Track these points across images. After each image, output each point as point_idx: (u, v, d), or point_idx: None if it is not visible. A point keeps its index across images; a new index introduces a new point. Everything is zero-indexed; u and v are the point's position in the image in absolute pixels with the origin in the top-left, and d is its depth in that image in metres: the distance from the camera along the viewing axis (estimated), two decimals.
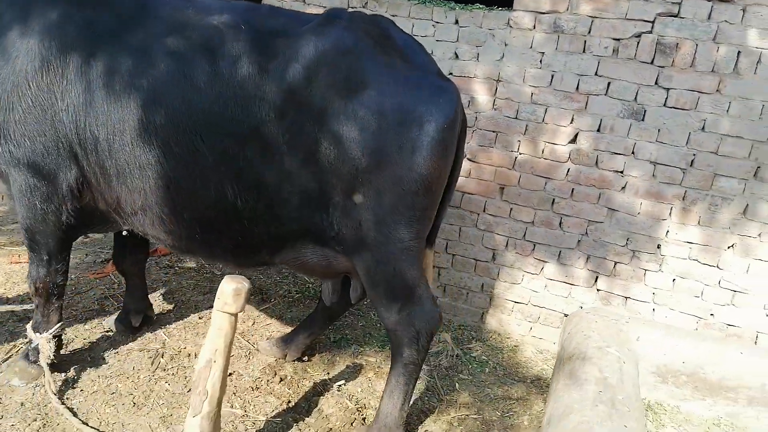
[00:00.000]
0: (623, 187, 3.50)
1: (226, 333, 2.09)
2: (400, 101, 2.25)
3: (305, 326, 3.23)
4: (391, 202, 2.30)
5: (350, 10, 2.84)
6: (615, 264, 3.60)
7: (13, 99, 2.40)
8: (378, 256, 2.39)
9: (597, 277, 3.66)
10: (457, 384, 3.25)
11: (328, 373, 3.17)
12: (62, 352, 2.97)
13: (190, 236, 2.57)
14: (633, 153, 3.45)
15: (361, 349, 3.47)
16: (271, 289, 4.12)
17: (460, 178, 2.91)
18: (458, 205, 3.88)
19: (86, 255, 4.35)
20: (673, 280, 3.48)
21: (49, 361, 2.70)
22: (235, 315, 2.09)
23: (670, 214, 3.43)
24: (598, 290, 3.67)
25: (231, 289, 2.03)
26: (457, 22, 3.65)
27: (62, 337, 2.88)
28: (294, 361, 3.23)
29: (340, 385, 3.06)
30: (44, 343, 2.69)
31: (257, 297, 3.99)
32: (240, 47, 2.34)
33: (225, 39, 2.37)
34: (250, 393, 2.88)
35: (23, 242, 2.66)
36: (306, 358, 3.25)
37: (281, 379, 3.03)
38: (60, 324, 2.79)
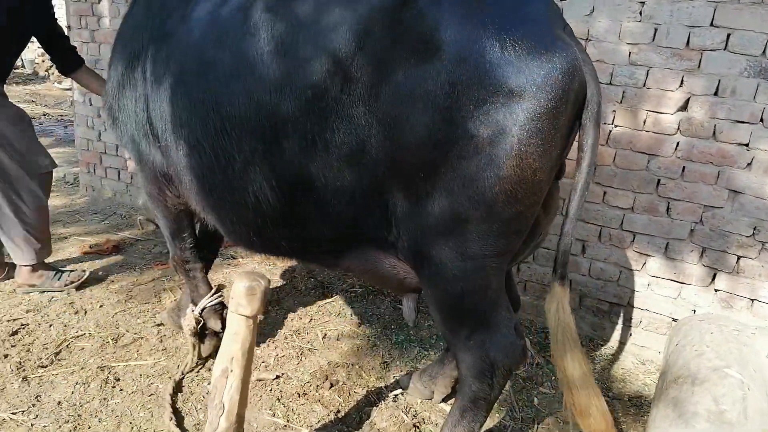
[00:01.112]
0: (749, 164, 2.82)
1: (243, 338, 1.79)
2: (481, 71, 1.61)
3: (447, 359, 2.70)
4: (459, 209, 1.74)
5: None
6: (738, 259, 2.92)
7: (119, 82, 2.49)
8: (443, 273, 1.87)
9: (715, 275, 3.00)
10: (535, 399, 2.76)
11: (385, 380, 2.82)
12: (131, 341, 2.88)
13: (246, 239, 2.32)
14: (761, 120, 2.76)
15: (426, 352, 3.08)
16: (334, 283, 3.83)
17: None
18: None
19: (155, 245, 4.31)
20: None
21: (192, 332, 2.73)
22: (253, 317, 1.78)
23: None
24: (716, 291, 3.01)
25: (243, 288, 1.72)
26: None
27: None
28: (348, 364, 2.91)
29: (396, 395, 2.70)
30: (189, 314, 2.71)
31: (318, 291, 3.71)
32: (266, 16, 1.94)
33: (250, 8, 2.00)
34: (295, 400, 2.59)
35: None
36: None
37: (332, 385, 2.71)
38: (213, 293, 2.77)
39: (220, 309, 2.85)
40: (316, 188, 1.94)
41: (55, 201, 5.18)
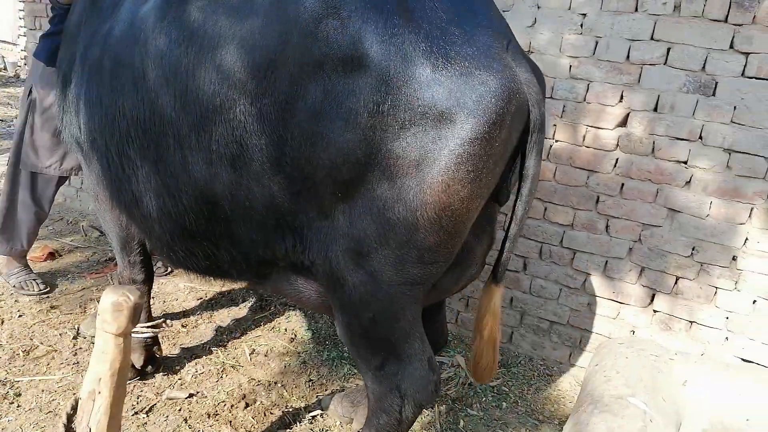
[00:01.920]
0: (687, 182, 2.74)
1: (112, 358, 1.66)
2: (408, 91, 1.50)
3: None
4: (378, 232, 1.62)
5: None
6: (677, 279, 2.84)
7: (63, 82, 2.35)
8: (354, 298, 1.75)
9: (654, 295, 2.91)
10: (462, 421, 2.65)
11: (307, 399, 2.69)
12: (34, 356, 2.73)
13: (164, 253, 2.21)
14: (700, 138, 2.68)
15: (356, 371, 2.96)
16: (273, 297, 3.71)
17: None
18: None
19: (93, 253, 4.16)
20: (754, 301, 2.67)
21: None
22: (122, 335, 1.66)
23: (750, 216, 2.63)
24: (654, 312, 2.92)
25: (109, 303, 1.60)
26: None
27: (157, 339, 2.80)
28: (271, 382, 2.78)
29: (315, 416, 2.57)
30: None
31: (255, 304, 3.58)
32: (176, 23, 1.84)
33: (162, 15, 1.89)
34: (203, 421, 2.45)
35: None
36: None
37: (247, 405, 2.58)
38: (150, 325, 2.57)
39: (150, 345, 2.72)
40: (223, 207, 1.82)
41: None
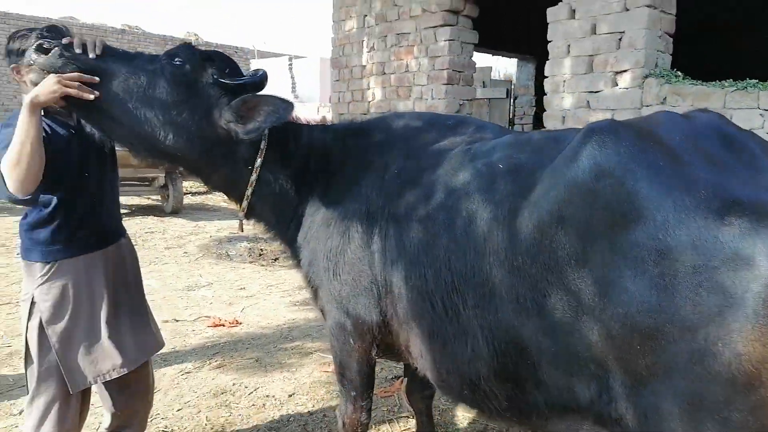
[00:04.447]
0: None
1: None
2: (696, 235, 1.54)
3: None
4: (688, 390, 1.56)
5: (643, 109, 2.16)
6: None
7: (345, 240, 2.65)
8: None
9: None
10: None
11: None
12: None
13: (458, 391, 2.35)
14: None
15: None
16: None
17: None
18: None
19: (381, 369, 4.49)
20: None
21: None
22: None
23: None
24: None
25: None
26: None
27: None
28: None
29: None
30: None
31: None
32: (484, 193, 2.17)
33: (472, 184, 2.24)
34: None
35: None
36: None
37: None
38: None
39: None
40: (530, 352, 1.97)
41: (302, 314, 5.81)
